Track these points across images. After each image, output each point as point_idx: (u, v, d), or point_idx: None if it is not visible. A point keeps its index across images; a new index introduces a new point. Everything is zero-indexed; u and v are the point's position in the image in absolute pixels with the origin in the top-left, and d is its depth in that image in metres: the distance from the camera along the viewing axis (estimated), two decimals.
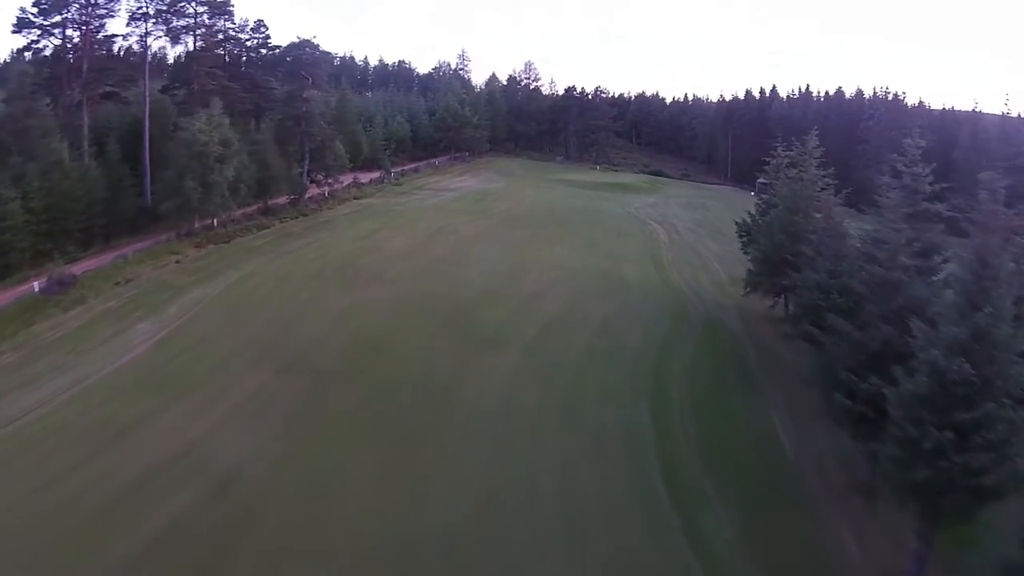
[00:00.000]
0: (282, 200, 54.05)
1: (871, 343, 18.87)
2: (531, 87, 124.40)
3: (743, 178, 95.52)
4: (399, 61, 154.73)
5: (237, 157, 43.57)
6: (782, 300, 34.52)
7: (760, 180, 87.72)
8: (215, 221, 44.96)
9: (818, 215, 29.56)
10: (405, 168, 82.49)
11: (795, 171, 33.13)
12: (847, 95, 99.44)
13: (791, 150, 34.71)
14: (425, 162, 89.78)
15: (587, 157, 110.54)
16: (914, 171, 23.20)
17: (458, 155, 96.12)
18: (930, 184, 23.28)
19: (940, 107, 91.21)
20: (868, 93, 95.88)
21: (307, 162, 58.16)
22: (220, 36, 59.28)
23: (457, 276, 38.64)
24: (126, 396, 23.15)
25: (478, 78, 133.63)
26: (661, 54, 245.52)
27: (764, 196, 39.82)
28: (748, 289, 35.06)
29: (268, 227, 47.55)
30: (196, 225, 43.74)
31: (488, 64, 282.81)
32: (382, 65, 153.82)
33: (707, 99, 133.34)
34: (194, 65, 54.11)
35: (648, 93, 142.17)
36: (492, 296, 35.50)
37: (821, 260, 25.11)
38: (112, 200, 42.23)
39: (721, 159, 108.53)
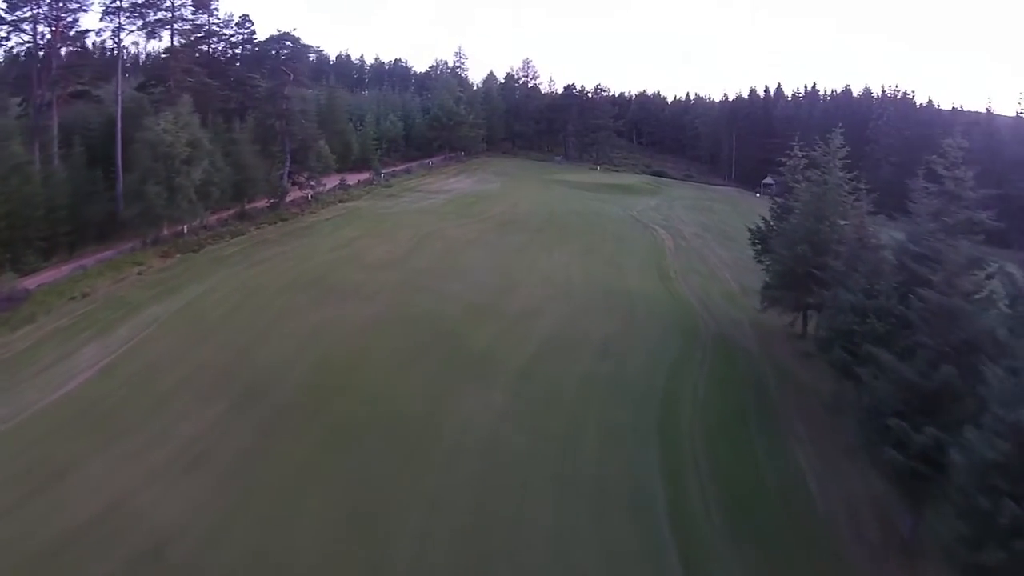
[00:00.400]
0: (262, 204, 50.99)
1: (925, 384, 15.74)
2: (529, 85, 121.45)
3: (747, 179, 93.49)
4: (396, 60, 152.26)
5: (208, 158, 40.45)
6: (801, 316, 31.46)
7: (765, 181, 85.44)
8: (185, 228, 41.87)
9: (844, 223, 26.43)
10: (397, 169, 79.56)
11: (817, 173, 29.96)
12: (855, 94, 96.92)
13: (815, 149, 31.47)
14: (418, 163, 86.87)
15: (587, 157, 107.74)
16: (955, 175, 20.71)
17: (453, 155, 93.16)
18: (971, 190, 20.85)
19: (950, 107, 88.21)
20: (876, 92, 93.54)
21: (288, 163, 55.01)
22: (202, 32, 56.26)
23: (443, 290, 35.45)
24: (60, 435, 20.70)
25: (476, 76, 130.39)
26: (662, 53, 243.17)
27: (778, 200, 36.78)
28: (765, 304, 31.98)
29: (243, 234, 44.40)
30: (165, 232, 40.70)
31: (486, 62, 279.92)
32: (379, 64, 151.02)
33: (709, 98, 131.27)
34: (171, 61, 51.03)
35: (649, 92, 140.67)
36: (480, 313, 32.38)
37: (856, 277, 21.96)
38: (77, 206, 39.35)
39: (725, 159, 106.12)
